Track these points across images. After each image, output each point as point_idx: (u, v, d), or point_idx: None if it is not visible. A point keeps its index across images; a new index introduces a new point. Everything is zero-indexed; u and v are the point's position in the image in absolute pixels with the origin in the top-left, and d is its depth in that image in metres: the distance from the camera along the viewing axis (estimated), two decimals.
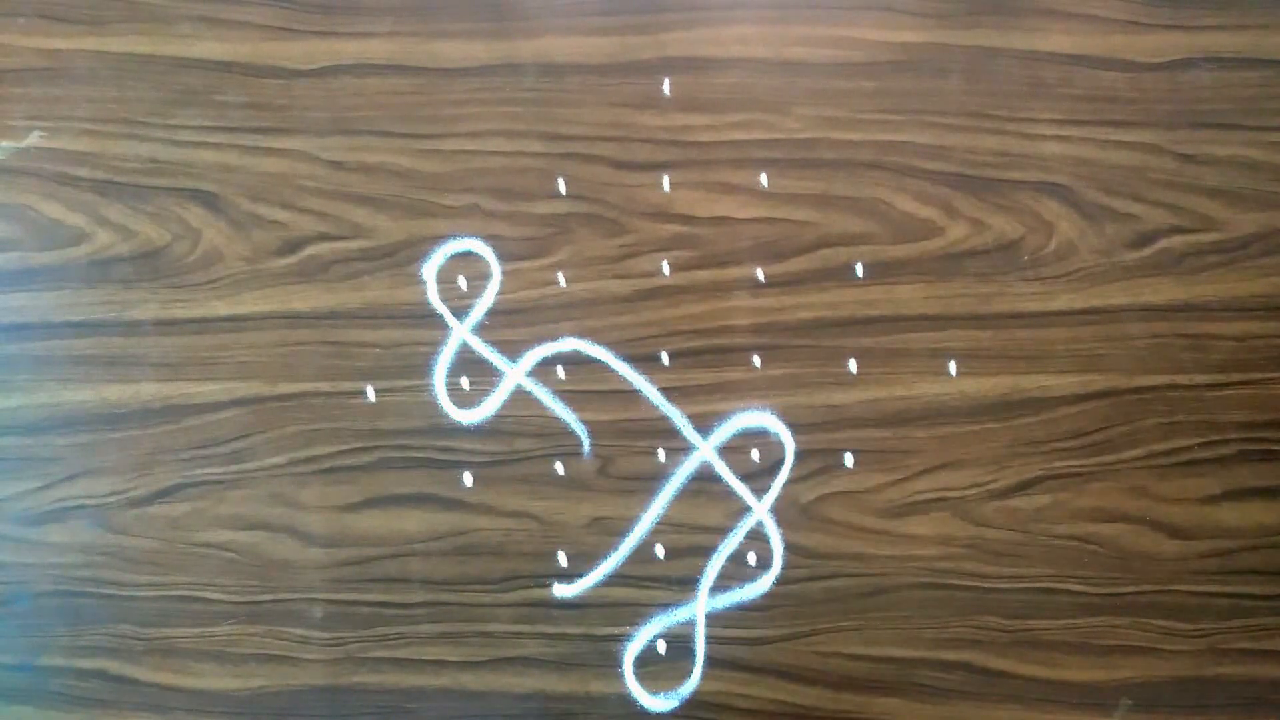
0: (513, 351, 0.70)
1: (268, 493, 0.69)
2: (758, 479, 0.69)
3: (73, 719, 0.68)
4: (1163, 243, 0.69)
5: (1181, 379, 0.69)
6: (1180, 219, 0.69)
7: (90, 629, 0.69)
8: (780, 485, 0.69)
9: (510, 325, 0.70)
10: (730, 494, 0.69)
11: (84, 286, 0.70)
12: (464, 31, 0.70)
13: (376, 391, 0.69)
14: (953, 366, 0.69)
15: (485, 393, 0.70)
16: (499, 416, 0.69)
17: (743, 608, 0.68)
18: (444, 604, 0.68)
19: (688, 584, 0.68)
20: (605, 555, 0.68)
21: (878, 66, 0.70)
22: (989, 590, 0.68)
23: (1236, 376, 0.69)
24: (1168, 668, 0.68)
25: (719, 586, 0.68)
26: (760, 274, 0.69)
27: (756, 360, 0.69)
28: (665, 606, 0.68)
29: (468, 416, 0.69)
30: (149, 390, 0.70)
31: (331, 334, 0.70)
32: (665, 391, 0.69)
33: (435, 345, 0.70)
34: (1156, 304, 0.69)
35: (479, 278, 0.70)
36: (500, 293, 0.70)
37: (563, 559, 0.68)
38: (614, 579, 0.68)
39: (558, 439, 0.69)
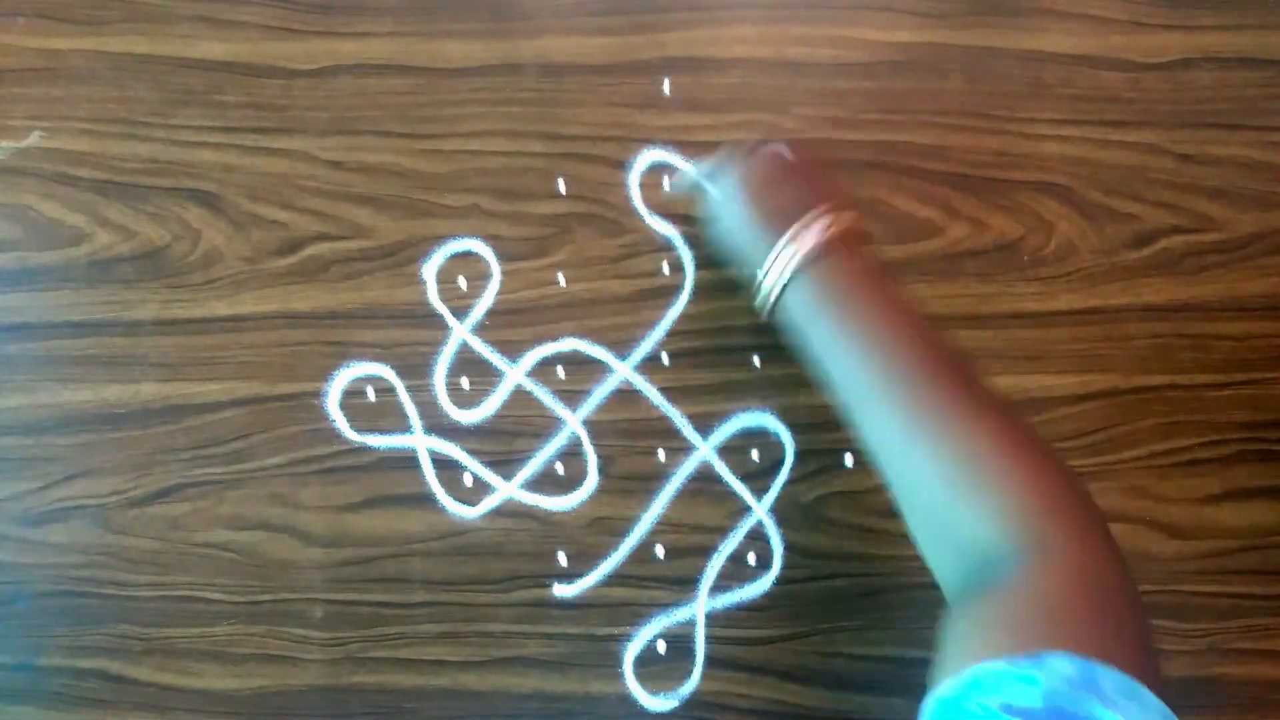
0: (513, 351, 0.70)
1: (268, 493, 0.69)
2: (758, 479, 0.69)
3: (73, 719, 0.68)
4: (1163, 243, 0.69)
5: (1181, 379, 0.69)
6: (1180, 219, 0.69)
7: (90, 629, 0.69)
8: (780, 485, 0.69)
9: (510, 325, 0.70)
10: (730, 494, 0.69)
11: (84, 286, 0.70)
12: (464, 31, 0.70)
13: (376, 392, 0.69)
14: None
15: (485, 393, 0.70)
16: (499, 416, 0.69)
17: (743, 608, 0.68)
18: (444, 604, 0.68)
19: (688, 584, 0.68)
20: (605, 555, 0.68)
21: (878, 66, 0.70)
22: None
23: (1236, 376, 0.69)
24: (1167, 668, 0.68)
25: (719, 586, 0.68)
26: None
27: (756, 360, 0.69)
28: (665, 606, 0.68)
29: (468, 416, 0.69)
30: (149, 390, 0.70)
31: (331, 334, 0.70)
32: (665, 391, 0.69)
33: (435, 345, 0.70)
34: (1156, 304, 0.69)
35: (479, 278, 0.70)
36: (500, 293, 0.70)
37: (563, 559, 0.68)
38: (614, 579, 0.68)
39: (558, 439, 0.69)
